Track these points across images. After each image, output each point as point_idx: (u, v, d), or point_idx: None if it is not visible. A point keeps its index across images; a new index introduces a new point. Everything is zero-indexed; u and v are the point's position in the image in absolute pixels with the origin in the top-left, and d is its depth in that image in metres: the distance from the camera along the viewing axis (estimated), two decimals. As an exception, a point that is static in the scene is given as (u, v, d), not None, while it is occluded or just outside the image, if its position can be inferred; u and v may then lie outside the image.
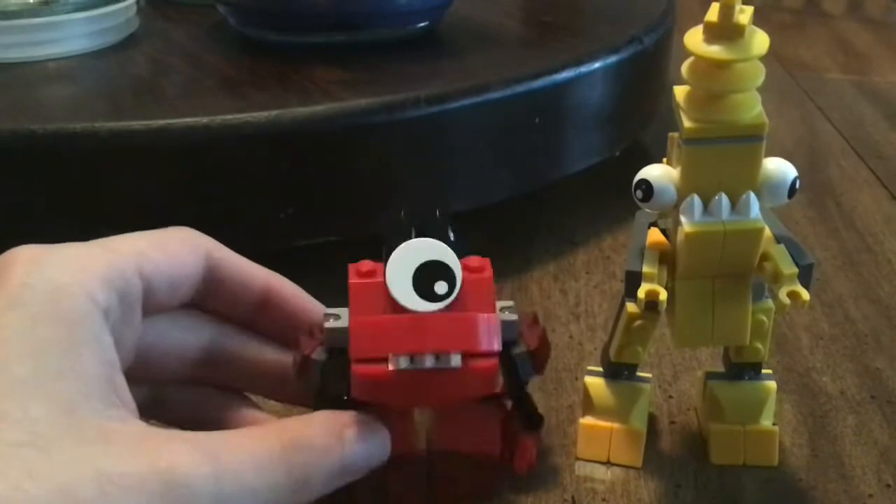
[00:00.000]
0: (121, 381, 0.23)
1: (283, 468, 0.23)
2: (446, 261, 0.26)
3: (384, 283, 0.26)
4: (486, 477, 0.30)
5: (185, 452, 0.21)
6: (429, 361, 0.25)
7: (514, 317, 0.28)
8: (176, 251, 0.26)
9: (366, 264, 0.27)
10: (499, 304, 0.27)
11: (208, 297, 0.28)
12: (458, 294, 0.26)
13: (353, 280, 0.27)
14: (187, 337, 0.28)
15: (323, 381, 0.27)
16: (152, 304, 0.26)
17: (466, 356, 0.26)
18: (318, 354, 0.27)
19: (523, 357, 0.28)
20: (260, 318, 0.29)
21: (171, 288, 0.26)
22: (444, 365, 0.25)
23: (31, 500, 0.18)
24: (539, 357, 0.29)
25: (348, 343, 0.26)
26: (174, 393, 0.29)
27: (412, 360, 0.25)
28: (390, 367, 0.25)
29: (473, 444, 0.29)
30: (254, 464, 0.22)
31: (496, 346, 0.26)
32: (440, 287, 0.26)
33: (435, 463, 0.29)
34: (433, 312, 0.26)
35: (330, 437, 0.25)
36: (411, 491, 0.29)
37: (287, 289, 0.29)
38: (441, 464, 0.29)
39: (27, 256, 0.22)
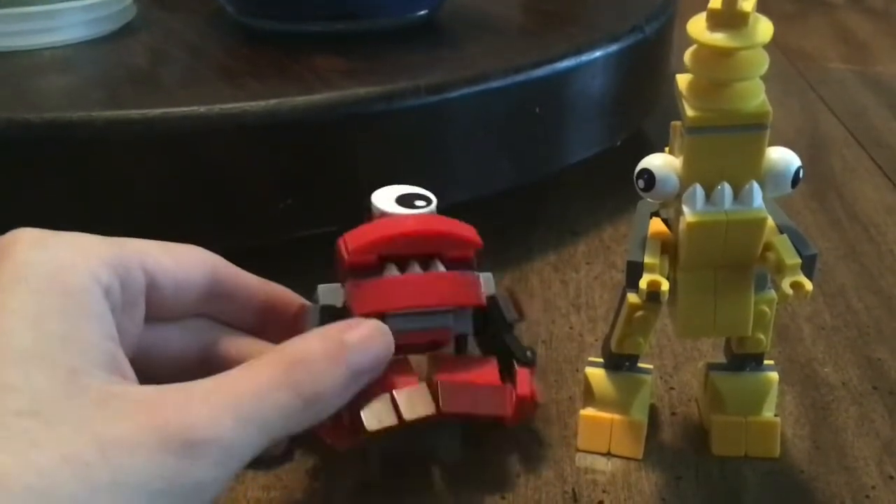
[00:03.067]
0: (121, 355, 0.23)
1: (290, 389, 0.23)
2: (424, 192, 0.31)
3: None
4: (492, 395, 0.29)
5: (180, 405, 0.21)
6: (417, 269, 0.29)
7: (489, 274, 0.31)
8: (182, 258, 0.27)
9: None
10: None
11: (212, 311, 0.28)
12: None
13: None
14: (187, 337, 0.28)
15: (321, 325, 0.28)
16: (156, 303, 0.26)
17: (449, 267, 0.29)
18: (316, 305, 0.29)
19: (504, 297, 0.31)
20: (261, 326, 0.30)
21: (176, 290, 0.26)
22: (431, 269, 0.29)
23: (38, 470, 0.18)
24: (518, 301, 0.31)
25: (341, 299, 0.29)
26: None
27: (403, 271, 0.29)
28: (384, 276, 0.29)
29: (474, 377, 0.29)
30: (255, 394, 0.22)
31: (476, 243, 0.30)
32: (419, 202, 0.30)
33: (439, 385, 0.28)
34: (411, 214, 0.30)
35: (331, 346, 0.25)
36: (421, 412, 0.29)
37: (289, 299, 0.30)
38: (445, 384, 0.28)
39: (31, 237, 0.23)
